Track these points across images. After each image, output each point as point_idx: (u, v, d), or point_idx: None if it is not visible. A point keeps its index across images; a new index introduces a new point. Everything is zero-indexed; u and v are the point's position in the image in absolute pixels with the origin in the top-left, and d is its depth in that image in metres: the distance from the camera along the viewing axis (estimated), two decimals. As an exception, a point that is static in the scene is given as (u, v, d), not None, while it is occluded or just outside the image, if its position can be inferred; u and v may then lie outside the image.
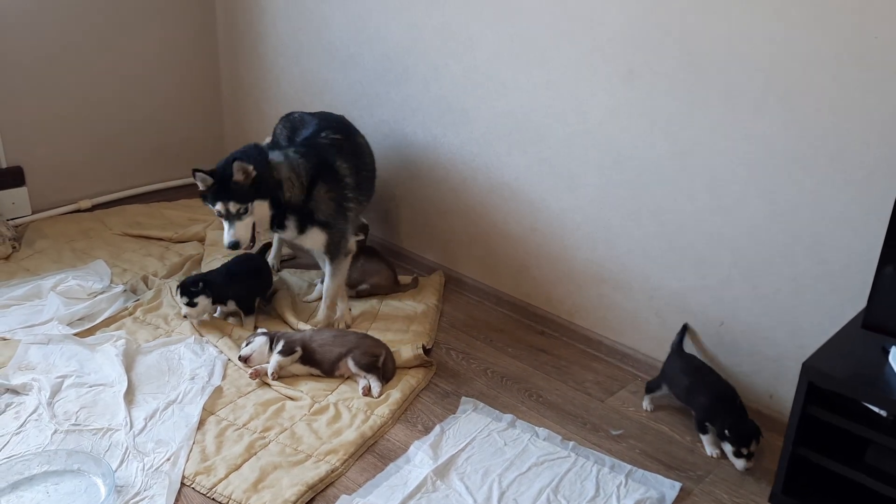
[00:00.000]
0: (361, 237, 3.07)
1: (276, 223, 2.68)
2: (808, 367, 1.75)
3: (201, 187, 2.60)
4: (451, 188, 3.10)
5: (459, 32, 2.86)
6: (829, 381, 1.73)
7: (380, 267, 3.09)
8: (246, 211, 2.57)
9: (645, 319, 2.63)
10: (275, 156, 2.69)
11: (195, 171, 2.59)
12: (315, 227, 2.72)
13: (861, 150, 2.03)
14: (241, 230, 2.59)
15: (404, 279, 3.15)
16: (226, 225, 2.61)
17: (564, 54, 2.58)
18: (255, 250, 2.81)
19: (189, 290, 2.70)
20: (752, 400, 2.41)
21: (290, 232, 2.73)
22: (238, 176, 2.53)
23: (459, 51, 2.88)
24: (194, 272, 3.07)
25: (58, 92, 3.48)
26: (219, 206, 2.58)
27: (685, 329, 2.52)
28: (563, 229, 2.77)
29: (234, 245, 2.60)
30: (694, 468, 2.25)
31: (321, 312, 2.86)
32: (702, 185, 2.37)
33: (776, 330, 2.33)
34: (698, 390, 2.32)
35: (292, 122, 3.04)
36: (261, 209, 2.61)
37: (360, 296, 3.04)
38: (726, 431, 2.18)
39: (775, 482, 1.90)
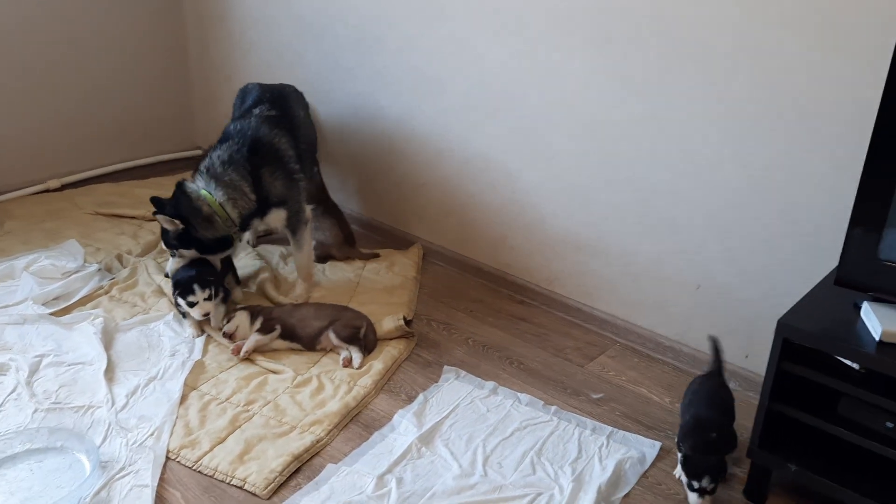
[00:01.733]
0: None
1: (242, 228, 2.68)
2: (782, 325, 1.79)
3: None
4: (426, 160, 3.10)
5: (432, 1, 2.84)
6: (803, 337, 1.78)
7: (330, 224, 3.12)
8: (182, 256, 2.66)
9: (623, 285, 2.67)
10: (201, 188, 2.59)
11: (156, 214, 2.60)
12: (273, 209, 2.72)
13: (832, 111, 2.06)
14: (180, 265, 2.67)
15: (365, 252, 3.17)
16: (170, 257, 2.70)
17: (539, 22, 2.58)
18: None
19: (207, 279, 2.54)
20: (728, 361, 2.45)
21: (254, 224, 2.76)
22: (168, 226, 2.57)
23: (432, 20, 2.86)
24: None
25: (20, 69, 3.40)
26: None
27: (716, 345, 2.25)
28: (539, 198, 2.79)
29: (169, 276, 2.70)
30: (672, 427, 2.29)
31: (299, 287, 2.85)
32: (675, 149, 2.39)
33: (750, 290, 2.38)
34: (686, 409, 2.16)
35: (242, 94, 3.04)
36: (192, 253, 2.64)
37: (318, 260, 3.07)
38: (682, 458, 1.98)
39: (752, 436, 1.94)
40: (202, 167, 2.64)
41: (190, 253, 2.63)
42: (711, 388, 2.16)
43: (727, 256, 2.39)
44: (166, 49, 3.86)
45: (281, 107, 2.88)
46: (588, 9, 2.44)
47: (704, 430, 1.98)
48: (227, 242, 2.66)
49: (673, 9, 2.26)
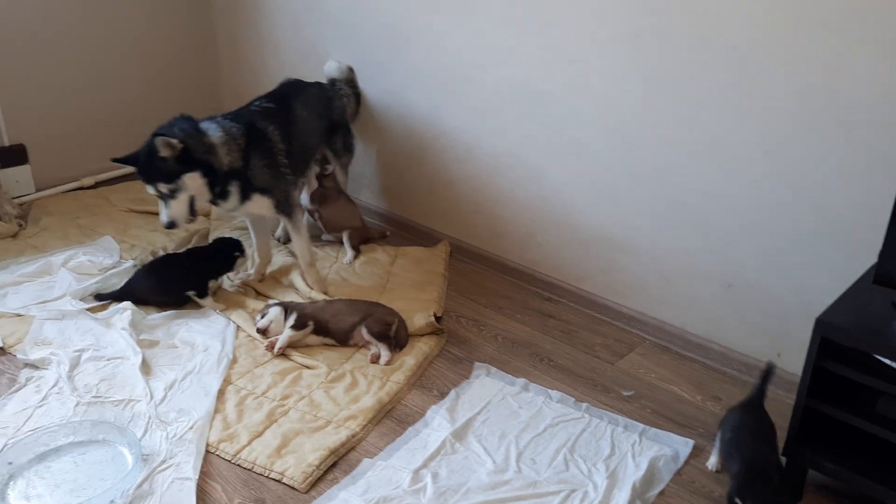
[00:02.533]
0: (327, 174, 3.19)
1: (218, 194, 2.61)
2: (821, 322, 1.79)
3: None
4: (455, 157, 3.12)
5: None
6: (841, 335, 1.78)
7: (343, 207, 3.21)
8: (177, 188, 2.51)
9: (652, 283, 2.68)
10: (205, 124, 2.63)
11: (114, 160, 2.56)
12: (257, 194, 2.70)
13: (864, 105, 2.06)
14: (176, 208, 2.54)
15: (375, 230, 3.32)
16: (161, 204, 2.57)
17: (567, 18, 2.58)
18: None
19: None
20: (760, 359, 2.46)
21: (232, 200, 2.66)
22: (164, 152, 2.45)
23: (461, 17, 2.88)
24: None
25: (57, 69, 3.45)
26: (149, 189, 2.55)
27: (769, 373, 2.06)
28: (568, 195, 2.80)
29: (171, 224, 2.57)
30: (704, 426, 2.30)
31: (306, 277, 2.89)
32: (705, 145, 2.39)
33: (782, 288, 2.37)
34: (729, 447, 1.98)
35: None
36: (193, 182, 2.52)
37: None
38: None
39: (788, 434, 1.95)
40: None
41: (193, 181, 2.52)
42: (754, 423, 1.98)
43: (759, 254, 2.39)
44: (197, 49, 3.90)
45: (281, 103, 2.88)
46: (617, 4, 2.45)
47: (766, 479, 1.83)
48: (225, 185, 2.60)
49: (704, 3, 2.26)
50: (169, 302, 2.72)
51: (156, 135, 2.47)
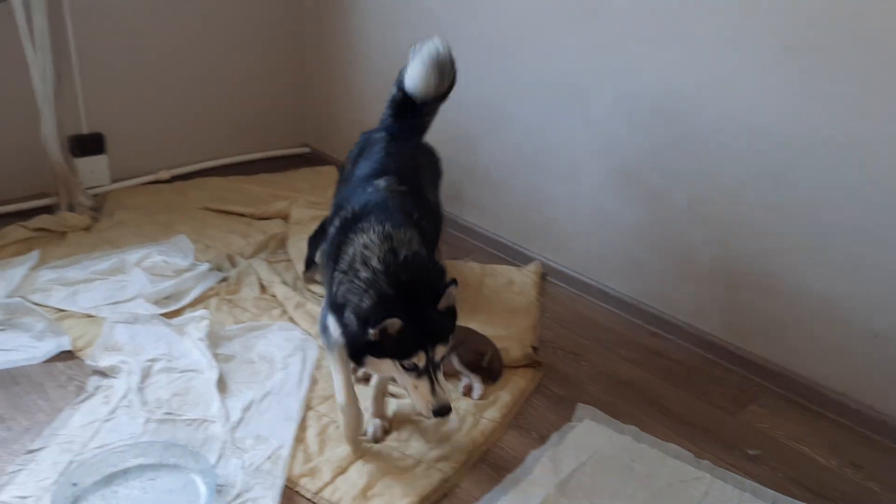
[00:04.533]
0: None
1: None
2: None
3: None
4: (557, 173, 2.87)
5: (581, 1, 2.61)
6: None
7: None
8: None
9: (782, 326, 2.38)
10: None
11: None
12: None
13: None
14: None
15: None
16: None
17: (708, 27, 2.31)
18: None
19: None
20: (908, 424, 2.16)
21: None
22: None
23: (578, 21, 2.63)
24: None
25: (141, 58, 3.32)
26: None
27: None
28: (689, 222, 2.52)
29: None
30: (846, 498, 2.00)
31: None
32: (869, 179, 2.09)
33: (945, 348, 2.06)
34: None
35: (363, 145, 2.38)
36: None
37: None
38: None
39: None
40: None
41: None
42: None
43: (920, 305, 2.08)
44: (283, 45, 3.73)
45: (411, 182, 2.16)
46: (773, 10, 2.17)
47: None
48: None
49: (881, 14, 1.97)
50: None
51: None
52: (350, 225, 1.93)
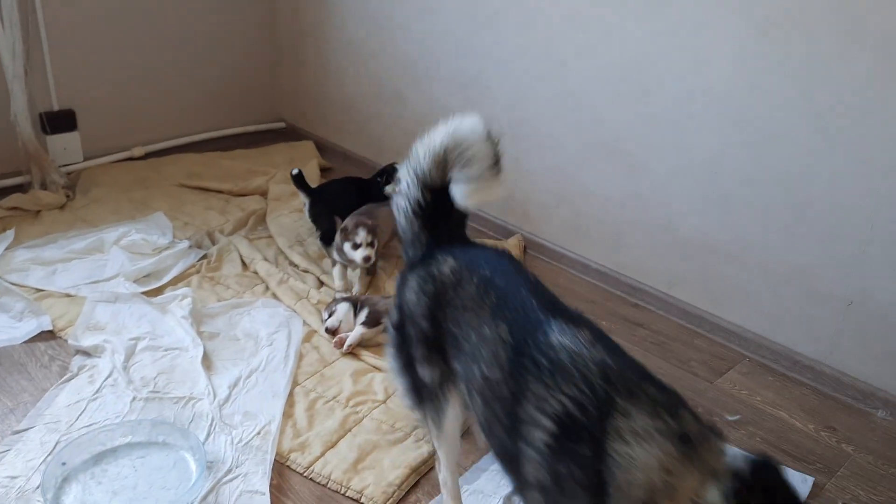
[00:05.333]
0: None
1: None
2: None
3: None
4: (536, 145, 2.88)
5: (561, -26, 2.61)
6: None
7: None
8: None
9: (759, 295, 2.43)
10: None
11: None
12: None
13: None
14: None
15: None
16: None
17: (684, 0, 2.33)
18: None
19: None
20: (880, 387, 2.22)
21: None
22: None
23: (559, -5, 2.63)
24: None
25: (112, 33, 3.26)
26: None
27: None
28: (668, 193, 2.55)
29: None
30: (822, 460, 2.07)
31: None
32: (842, 150, 2.13)
33: (917, 313, 2.12)
34: None
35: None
36: None
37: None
38: None
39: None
40: None
41: None
42: None
43: (891, 272, 2.14)
44: (255, 17, 3.68)
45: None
46: (748, -13, 2.19)
47: None
48: None
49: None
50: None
51: None
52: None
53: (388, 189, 2.81)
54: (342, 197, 2.84)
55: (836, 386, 2.32)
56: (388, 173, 2.86)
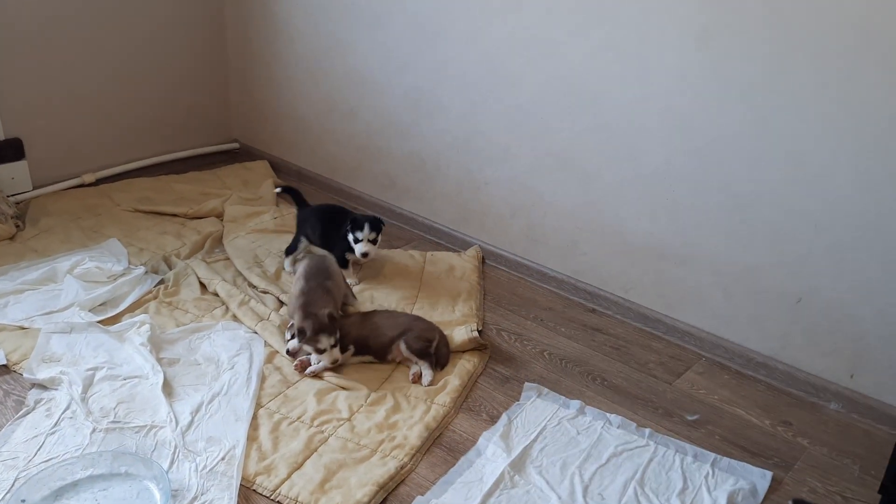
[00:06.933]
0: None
1: None
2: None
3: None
4: (490, 158, 2.92)
5: (506, -10, 2.66)
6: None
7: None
8: None
9: (711, 296, 2.50)
10: None
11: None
12: None
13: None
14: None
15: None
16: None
17: (627, 12, 2.39)
18: None
19: (379, 224, 2.72)
20: (829, 379, 2.30)
21: None
22: None
23: (503, 10, 2.67)
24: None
25: (57, 59, 3.20)
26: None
27: None
28: (619, 201, 2.61)
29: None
30: (779, 454, 2.13)
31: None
32: (782, 155, 2.21)
33: (860, 307, 2.20)
34: None
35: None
36: None
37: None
38: None
39: (887, 472, 1.78)
40: None
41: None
42: None
43: (836, 270, 2.22)
44: (203, 37, 3.66)
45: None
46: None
47: None
48: None
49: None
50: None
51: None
52: None
53: (351, 239, 2.70)
54: (320, 222, 2.82)
55: (789, 381, 2.39)
56: (360, 225, 2.69)
